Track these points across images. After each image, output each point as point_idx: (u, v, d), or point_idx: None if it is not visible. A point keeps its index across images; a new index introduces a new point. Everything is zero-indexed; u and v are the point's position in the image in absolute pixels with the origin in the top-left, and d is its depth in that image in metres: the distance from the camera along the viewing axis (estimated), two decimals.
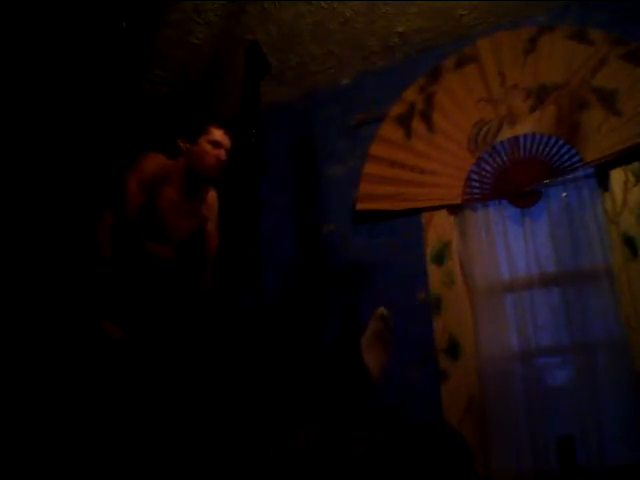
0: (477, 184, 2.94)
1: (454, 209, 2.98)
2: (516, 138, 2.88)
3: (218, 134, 2.45)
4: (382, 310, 2.51)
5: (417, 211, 3.03)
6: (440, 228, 2.97)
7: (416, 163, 3.04)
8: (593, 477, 2.42)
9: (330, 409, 2.44)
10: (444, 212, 2.98)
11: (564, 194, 2.79)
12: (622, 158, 2.65)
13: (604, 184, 2.71)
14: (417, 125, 3.09)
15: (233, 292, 2.77)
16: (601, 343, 2.59)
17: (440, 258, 2.93)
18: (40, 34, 2.86)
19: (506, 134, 2.91)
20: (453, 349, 2.79)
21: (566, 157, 2.76)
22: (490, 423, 2.65)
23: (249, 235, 2.63)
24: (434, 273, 2.93)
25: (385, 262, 3.06)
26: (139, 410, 2.17)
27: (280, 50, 3.11)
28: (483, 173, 2.93)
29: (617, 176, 2.67)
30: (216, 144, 2.44)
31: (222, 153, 2.46)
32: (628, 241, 2.59)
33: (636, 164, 2.64)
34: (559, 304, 2.69)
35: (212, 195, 2.70)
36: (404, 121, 3.13)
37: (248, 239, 2.61)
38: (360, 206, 3.14)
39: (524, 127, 2.87)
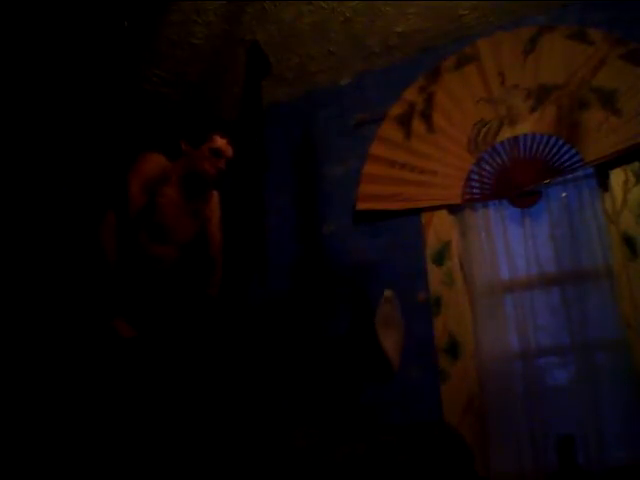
0: (477, 184, 2.94)
1: (454, 209, 2.98)
2: (516, 138, 2.89)
3: (221, 143, 2.46)
4: (388, 292, 2.49)
5: (417, 211, 3.03)
6: (440, 228, 2.97)
7: (416, 163, 3.04)
8: (593, 477, 2.42)
9: (345, 400, 2.43)
10: (444, 212, 2.98)
11: (564, 194, 2.79)
12: (622, 158, 2.65)
13: (604, 184, 2.71)
14: (417, 125, 3.10)
15: (241, 292, 2.77)
16: (601, 343, 2.59)
17: (440, 258, 2.93)
18: (40, 35, 2.86)
19: (506, 134, 2.91)
20: (453, 349, 2.79)
21: (566, 157, 2.77)
22: (490, 423, 2.65)
23: (256, 232, 2.63)
24: (434, 273, 2.93)
25: (385, 262, 3.06)
26: (145, 410, 2.17)
27: (280, 50, 3.11)
28: (483, 173, 2.93)
29: (617, 176, 2.67)
30: (217, 153, 2.45)
31: (222, 163, 2.47)
32: (628, 241, 2.59)
33: (636, 164, 2.64)
34: (559, 304, 2.69)
35: (214, 196, 2.70)
36: (404, 121, 3.13)
37: (255, 237, 2.62)
38: (360, 206, 3.14)
39: (524, 127, 2.87)
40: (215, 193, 2.70)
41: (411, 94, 3.15)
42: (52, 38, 2.89)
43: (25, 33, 2.84)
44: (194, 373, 2.33)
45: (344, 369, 2.24)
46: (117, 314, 2.22)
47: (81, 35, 2.90)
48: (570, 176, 2.76)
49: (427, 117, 3.08)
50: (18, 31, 2.82)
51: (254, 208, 2.70)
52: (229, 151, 2.49)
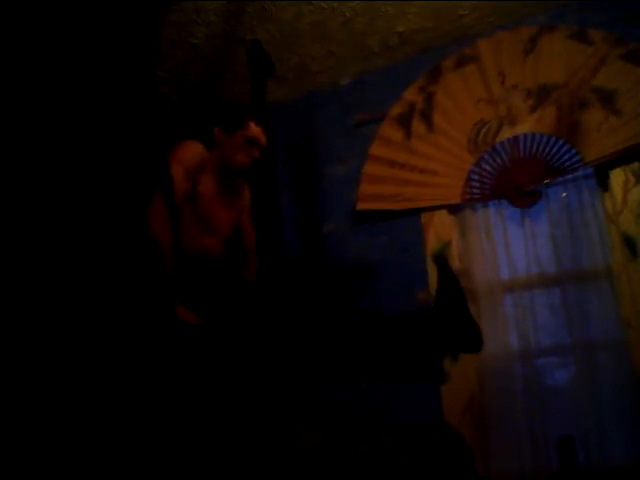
0: (477, 184, 2.94)
1: (454, 209, 2.98)
2: (516, 138, 2.89)
3: (256, 131, 2.40)
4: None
5: (417, 211, 3.03)
6: (440, 228, 2.97)
7: (416, 163, 3.04)
8: (593, 477, 2.42)
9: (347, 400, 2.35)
10: (444, 212, 2.98)
11: (564, 194, 2.79)
12: (622, 158, 2.65)
13: (604, 184, 2.71)
14: (417, 125, 3.10)
15: (278, 280, 2.73)
16: (601, 343, 2.59)
17: None
18: (65, 33, 2.86)
19: (506, 134, 2.91)
20: None
21: (566, 157, 2.76)
22: (490, 423, 2.65)
23: (276, 224, 2.62)
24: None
25: (385, 262, 3.06)
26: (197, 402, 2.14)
27: (280, 50, 3.10)
28: (483, 173, 2.93)
29: (617, 176, 2.67)
30: (252, 141, 2.39)
31: (256, 151, 2.42)
32: (628, 241, 2.59)
33: (636, 164, 2.64)
34: (559, 304, 2.69)
35: (245, 187, 2.66)
36: (404, 121, 3.13)
37: (276, 228, 2.61)
38: (360, 206, 3.14)
39: (524, 127, 2.87)
40: (245, 184, 2.66)
41: (411, 94, 3.15)
42: (79, 32, 2.88)
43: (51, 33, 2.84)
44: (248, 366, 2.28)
45: (431, 341, 2.17)
46: (178, 302, 2.18)
47: (92, 34, 2.89)
48: (570, 176, 2.76)
49: (427, 117, 3.08)
50: (35, 32, 2.82)
51: (272, 202, 2.69)
52: (263, 139, 2.44)
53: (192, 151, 2.35)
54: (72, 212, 3.29)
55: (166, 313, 2.16)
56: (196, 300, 2.24)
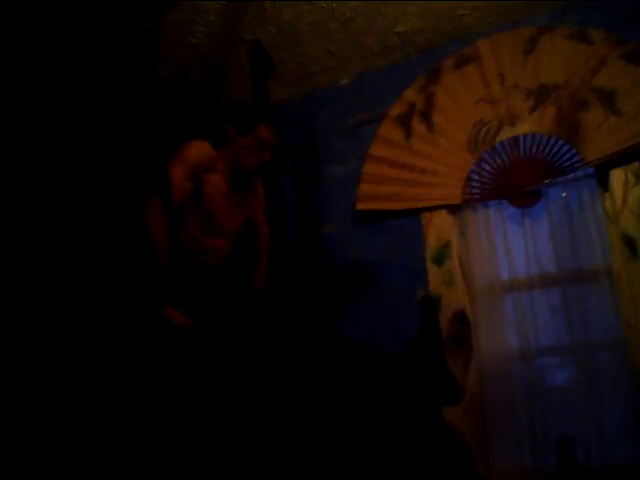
0: (477, 184, 2.94)
1: (454, 209, 2.98)
2: (516, 138, 2.89)
3: (267, 133, 2.40)
4: (461, 308, 2.34)
5: (417, 211, 3.03)
6: (440, 228, 2.97)
7: (416, 163, 3.04)
8: (593, 477, 2.42)
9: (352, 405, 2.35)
10: (444, 212, 2.98)
11: (564, 194, 2.79)
12: (622, 158, 2.65)
13: (604, 184, 2.71)
14: (417, 125, 3.10)
15: (286, 283, 2.72)
16: (601, 343, 2.59)
17: (440, 258, 2.94)
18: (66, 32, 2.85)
19: (506, 134, 2.91)
20: None
21: (566, 157, 2.77)
22: (490, 423, 2.65)
23: (283, 224, 2.60)
24: (434, 273, 2.93)
25: (385, 262, 3.06)
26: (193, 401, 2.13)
27: (280, 50, 3.10)
28: (483, 173, 2.93)
29: (617, 176, 2.67)
30: (263, 144, 2.39)
31: (267, 153, 2.41)
32: (628, 241, 2.59)
33: (636, 164, 2.64)
34: (559, 304, 2.69)
35: (260, 186, 2.65)
36: (404, 121, 3.13)
37: (283, 228, 2.58)
38: (360, 206, 3.14)
39: (524, 127, 2.87)
40: (260, 183, 2.65)
41: (411, 94, 3.15)
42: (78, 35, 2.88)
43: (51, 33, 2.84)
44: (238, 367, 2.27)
45: (405, 388, 2.13)
46: (169, 303, 2.17)
47: (92, 34, 2.89)
48: (570, 176, 2.76)
49: (427, 117, 3.08)
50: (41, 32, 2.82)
51: (278, 204, 2.68)
52: (274, 141, 2.44)
53: (198, 150, 2.34)
54: (69, 208, 3.28)
55: (156, 313, 2.15)
56: (191, 302, 2.23)
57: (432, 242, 2.98)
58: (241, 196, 2.48)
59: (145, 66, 3.09)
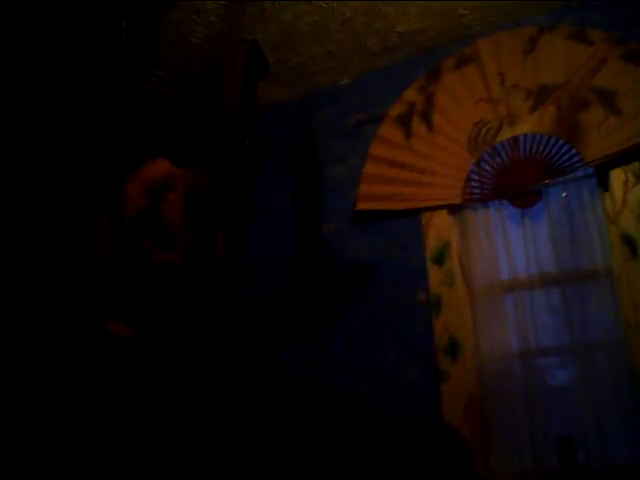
0: (477, 184, 2.94)
1: (454, 209, 2.98)
2: (516, 138, 2.89)
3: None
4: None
5: (417, 211, 3.03)
6: (440, 228, 2.97)
7: (416, 163, 3.04)
8: (593, 477, 2.42)
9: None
10: (444, 212, 2.98)
11: (564, 194, 2.79)
12: (622, 158, 2.65)
13: (604, 184, 2.71)
14: (417, 125, 3.10)
15: (234, 293, 2.75)
16: (601, 343, 2.58)
17: (440, 258, 2.93)
18: (38, 35, 2.86)
19: (506, 134, 2.91)
20: (453, 349, 2.79)
21: (566, 157, 2.76)
22: (490, 423, 2.65)
23: (242, 235, 2.60)
24: (434, 273, 2.93)
25: (385, 262, 3.06)
26: (144, 410, 2.15)
27: (280, 50, 3.11)
28: (483, 173, 2.93)
29: (617, 176, 2.67)
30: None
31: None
32: (628, 241, 2.59)
33: (636, 164, 2.64)
34: (559, 304, 2.69)
35: (218, 202, 2.66)
36: (404, 121, 3.13)
37: (242, 239, 2.59)
38: (360, 206, 3.14)
39: (524, 127, 2.87)
40: (220, 201, 2.66)
41: (411, 94, 3.15)
42: (49, 39, 2.89)
43: (23, 34, 2.84)
44: (195, 372, 2.30)
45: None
46: (112, 315, 2.21)
47: (79, 35, 2.90)
48: (570, 176, 2.76)
49: (427, 117, 3.08)
50: (16, 32, 2.82)
51: (240, 211, 2.68)
52: (205, 184, 2.47)
53: (155, 169, 2.38)
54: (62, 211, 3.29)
55: (95, 325, 2.18)
56: (139, 313, 2.26)
57: (432, 242, 2.97)
58: (198, 213, 2.51)
59: (144, 66, 3.10)
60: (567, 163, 2.76)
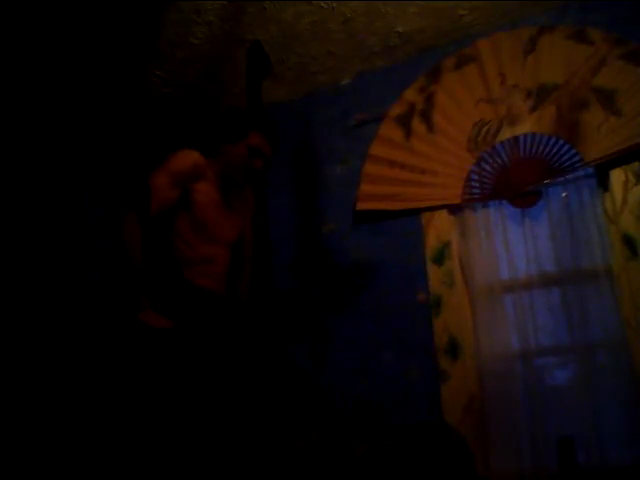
0: (477, 184, 2.94)
1: (454, 209, 2.98)
2: (516, 138, 2.88)
3: (258, 141, 2.38)
4: None
5: (417, 211, 3.03)
6: (440, 228, 2.97)
7: (416, 163, 3.04)
8: (593, 477, 2.42)
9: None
10: (444, 212, 2.98)
11: (564, 194, 2.79)
12: (622, 158, 2.65)
13: (604, 184, 2.71)
14: (417, 125, 3.09)
15: (263, 291, 2.73)
16: (601, 343, 2.58)
17: (440, 258, 2.93)
18: (48, 37, 2.86)
19: (506, 134, 2.91)
20: (453, 349, 2.79)
21: (566, 157, 2.76)
22: (490, 423, 2.64)
23: (264, 231, 2.61)
24: (434, 273, 2.93)
25: (385, 262, 3.06)
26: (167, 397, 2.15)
27: (280, 50, 3.11)
28: (483, 173, 2.93)
29: (617, 176, 2.67)
30: (254, 151, 2.38)
31: (258, 162, 2.40)
32: (628, 241, 2.59)
33: (636, 164, 2.64)
34: (559, 304, 2.69)
35: (250, 193, 2.65)
36: (404, 121, 3.13)
37: (265, 235, 2.59)
38: (360, 206, 3.14)
39: (524, 127, 2.87)
40: (250, 191, 2.65)
41: (411, 94, 3.15)
42: (64, 38, 2.89)
43: (35, 36, 2.85)
44: (220, 368, 2.28)
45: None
46: (148, 307, 2.18)
47: (80, 35, 2.90)
48: (570, 176, 2.76)
49: (427, 117, 3.08)
50: (27, 33, 2.82)
51: (260, 207, 2.68)
52: (267, 149, 2.43)
53: (184, 160, 2.34)
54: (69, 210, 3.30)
55: (130, 318, 2.18)
56: (173, 306, 2.25)
57: (432, 242, 2.97)
58: (234, 204, 2.49)
59: (143, 66, 3.10)
60: (567, 163, 2.76)
